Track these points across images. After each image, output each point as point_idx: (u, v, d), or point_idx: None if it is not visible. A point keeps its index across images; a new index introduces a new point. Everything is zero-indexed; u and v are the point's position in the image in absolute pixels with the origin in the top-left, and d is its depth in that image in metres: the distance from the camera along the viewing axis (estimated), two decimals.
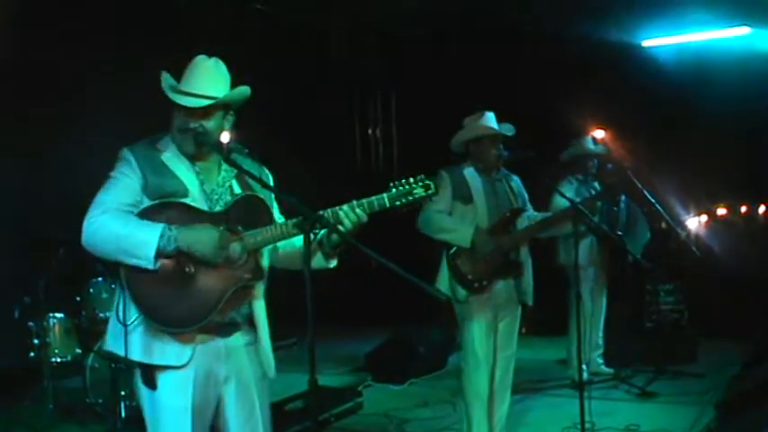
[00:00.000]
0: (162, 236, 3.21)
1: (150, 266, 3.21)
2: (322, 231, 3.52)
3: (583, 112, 9.33)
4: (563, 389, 7.69)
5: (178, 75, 3.53)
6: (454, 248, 5.45)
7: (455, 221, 5.45)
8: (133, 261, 3.22)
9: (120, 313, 3.32)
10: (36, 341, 7.11)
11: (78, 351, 7.18)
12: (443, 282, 5.47)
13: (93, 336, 7.00)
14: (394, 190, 3.45)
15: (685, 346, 8.56)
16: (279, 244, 3.60)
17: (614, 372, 8.05)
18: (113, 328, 3.41)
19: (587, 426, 5.32)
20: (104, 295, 7.14)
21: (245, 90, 3.57)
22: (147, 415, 3.48)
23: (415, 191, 3.45)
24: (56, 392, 6.99)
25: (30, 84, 7.82)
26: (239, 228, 3.40)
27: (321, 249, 3.57)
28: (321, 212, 3.35)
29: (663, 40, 10.65)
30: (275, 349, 3.71)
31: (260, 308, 3.60)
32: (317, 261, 3.57)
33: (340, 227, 3.38)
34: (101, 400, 6.69)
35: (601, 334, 8.11)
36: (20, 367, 7.40)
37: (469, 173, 5.53)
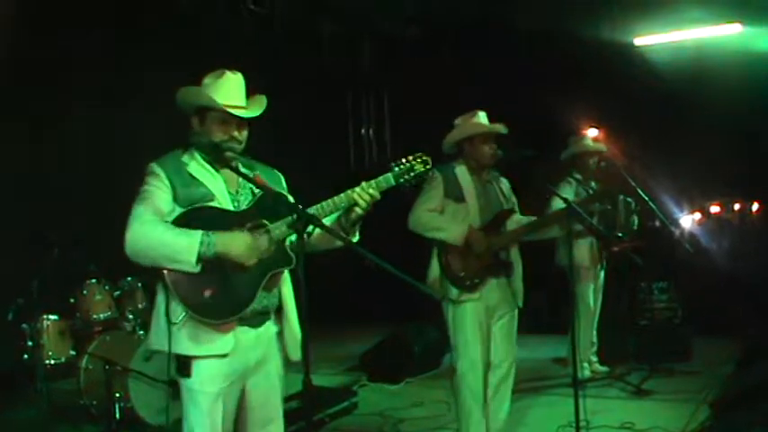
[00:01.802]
0: (201, 242, 3.51)
1: (192, 270, 3.52)
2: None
3: (576, 111, 9.33)
4: (558, 387, 7.69)
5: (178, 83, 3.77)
6: (445, 247, 5.43)
7: (447, 220, 5.44)
8: (176, 266, 3.53)
9: (166, 313, 3.62)
10: (30, 343, 7.08)
11: (72, 353, 7.16)
12: (434, 280, 5.46)
13: (88, 337, 7.00)
14: (396, 169, 3.88)
15: (679, 344, 8.57)
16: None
17: (609, 370, 8.06)
18: (157, 327, 3.71)
19: (582, 424, 5.31)
20: (98, 297, 7.14)
21: (265, 100, 3.94)
22: (183, 403, 3.75)
23: (415, 167, 3.89)
24: (50, 394, 6.96)
25: (24, 85, 7.80)
26: (265, 221, 3.70)
27: (342, 228, 3.86)
28: (336, 197, 3.76)
29: (655, 39, 10.66)
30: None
31: (288, 293, 3.92)
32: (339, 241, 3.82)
33: (357, 207, 3.78)
34: (95, 402, 6.68)
35: (594, 332, 8.12)
36: (13, 369, 7.37)
37: (461, 171, 5.52)
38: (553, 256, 7.83)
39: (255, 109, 3.84)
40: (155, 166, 3.70)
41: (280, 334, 3.92)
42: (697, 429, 6.07)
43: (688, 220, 10.66)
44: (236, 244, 3.58)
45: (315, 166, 11.39)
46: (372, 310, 10.94)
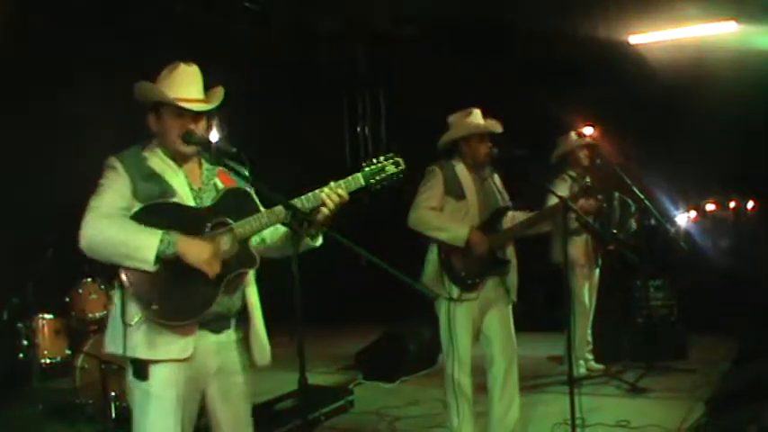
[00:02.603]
0: (162, 241, 3.37)
1: (150, 269, 3.37)
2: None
3: (572, 109, 9.35)
4: (553, 385, 7.69)
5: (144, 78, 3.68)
6: (446, 246, 5.43)
7: (448, 220, 5.43)
8: (134, 264, 3.38)
9: (121, 314, 3.47)
10: (25, 342, 7.10)
11: (68, 352, 7.17)
12: (431, 279, 5.45)
13: (83, 336, 7.00)
14: (367, 169, 3.73)
15: (675, 342, 8.58)
16: (266, 234, 3.83)
17: (604, 368, 8.07)
18: (113, 329, 3.56)
19: (578, 422, 5.32)
20: (93, 296, 7.14)
21: (223, 92, 3.77)
22: (135, 407, 3.58)
23: (386, 168, 3.74)
24: (45, 393, 6.98)
25: (15, 85, 7.79)
26: (228, 219, 3.57)
27: (306, 231, 3.69)
28: (303, 196, 3.59)
29: (650, 37, 10.67)
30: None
31: (253, 295, 3.78)
32: (303, 244, 3.71)
33: (324, 207, 3.59)
34: (91, 401, 6.67)
35: (590, 330, 8.13)
36: (9, 368, 7.37)
37: (460, 169, 5.52)
38: (548, 254, 7.84)
39: (211, 102, 3.70)
40: (113, 160, 3.57)
41: (243, 339, 3.74)
42: (692, 427, 6.07)
43: (684, 218, 10.68)
44: (197, 251, 3.43)
45: (310, 165, 11.37)
46: (367, 309, 10.94)
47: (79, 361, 6.74)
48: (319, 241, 3.76)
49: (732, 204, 11.28)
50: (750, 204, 11.17)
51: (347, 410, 7.21)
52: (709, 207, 11.29)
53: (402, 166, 3.76)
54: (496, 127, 5.53)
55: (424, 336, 8.67)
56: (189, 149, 3.63)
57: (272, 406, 6.76)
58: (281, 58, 11.28)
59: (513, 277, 5.59)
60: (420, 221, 5.44)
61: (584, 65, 10.78)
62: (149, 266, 3.36)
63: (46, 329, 7.16)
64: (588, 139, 8.00)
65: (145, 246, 3.36)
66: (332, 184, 3.64)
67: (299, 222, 3.44)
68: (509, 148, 5.40)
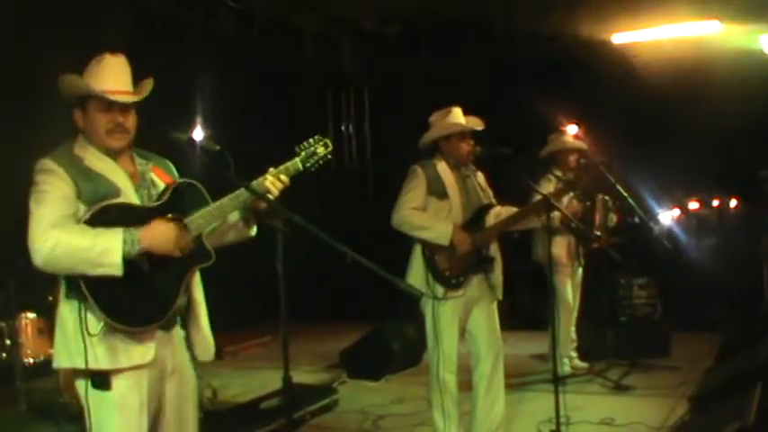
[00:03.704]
0: (125, 240, 3.22)
1: (118, 273, 3.20)
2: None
3: (555, 108, 9.37)
4: (538, 383, 7.71)
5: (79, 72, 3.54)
6: (430, 245, 5.43)
7: (432, 219, 5.42)
8: (99, 271, 3.20)
9: (82, 325, 3.28)
10: (8, 342, 7.06)
11: (51, 351, 7.10)
12: (415, 278, 5.45)
13: None
14: (303, 153, 3.73)
15: (659, 340, 8.62)
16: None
17: (589, 366, 8.10)
18: (66, 342, 3.38)
19: (562, 420, 5.33)
20: None
21: (152, 83, 3.60)
22: (93, 416, 3.41)
23: (317, 150, 3.75)
24: (29, 393, 6.93)
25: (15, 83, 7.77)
26: (179, 215, 3.44)
27: (242, 218, 3.70)
28: (254, 183, 3.54)
29: (634, 36, 10.70)
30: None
31: (198, 290, 3.68)
32: (240, 234, 3.75)
33: (269, 195, 3.55)
34: (75, 401, 6.63)
35: (574, 328, 8.15)
36: None
37: (442, 168, 5.52)
38: (530, 252, 7.86)
39: (140, 94, 3.52)
40: (49, 162, 3.37)
41: (188, 336, 3.65)
42: (676, 423, 6.10)
43: (667, 217, 10.72)
44: (160, 234, 3.30)
45: None
46: (352, 308, 10.94)
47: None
48: (254, 231, 3.79)
49: (715, 203, 11.33)
50: (733, 203, 11.22)
51: (332, 409, 7.19)
52: (693, 206, 11.34)
53: (330, 147, 3.79)
54: (477, 124, 5.53)
55: (408, 334, 8.68)
56: (118, 144, 3.49)
57: (257, 405, 6.75)
58: (265, 57, 11.27)
59: (497, 275, 5.60)
60: (403, 221, 5.44)
61: (567, 63, 10.81)
62: (117, 270, 3.20)
63: (29, 329, 7.13)
64: (580, 144, 8.01)
65: (109, 250, 3.19)
66: (272, 170, 3.62)
67: (285, 222, 3.41)
68: (493, 146, 5.41)
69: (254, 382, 8.01)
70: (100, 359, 3.31)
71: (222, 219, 3.60)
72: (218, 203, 3.50)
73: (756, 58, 10.00)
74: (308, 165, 3.73)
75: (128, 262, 3.22)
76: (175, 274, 3.43)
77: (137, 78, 3.60)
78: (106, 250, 3.18)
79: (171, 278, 3.41)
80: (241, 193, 3.47)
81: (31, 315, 7.13)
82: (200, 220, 3.44)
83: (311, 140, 3.76)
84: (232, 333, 10.34)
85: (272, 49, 11.09)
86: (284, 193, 3.61)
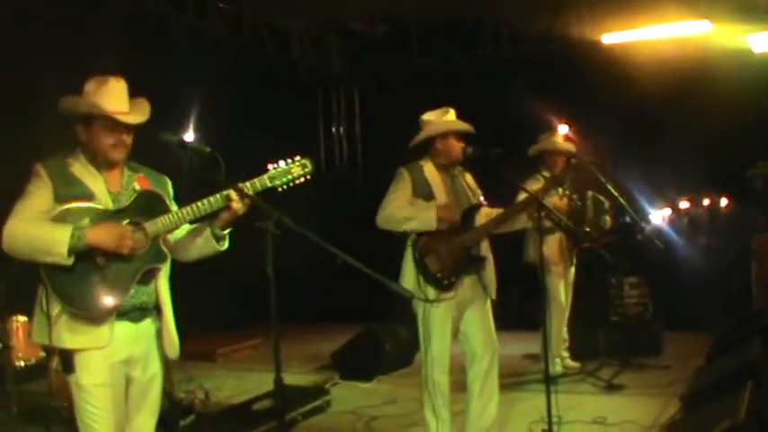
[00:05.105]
0: (72, 235, 3.62)
1: (65, 263, 3.63)
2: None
3: (545, 108, 9.39)
4: (530, 383, 7.72)
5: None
6: (421, 247, 5.42)
7: (415, 209, 5.39)
8: (49, 259, 3.65)
9: (45, 306, 3.77)
10: None
11: (42, 354, 7.10)
12: (407, 280, 5.44)
13: None
14: (273, 171, 3.91)
15: (650, 339, 8.65)
16: (172, 236, 4.06)
17: (580, 365, 8.12)
18: (37, 321, 3.86)
19: (554, 419, 5.34)
20: None
21: (148, 105, 3.99)
22: (75, 404, 3.91)
23: (293, 170, 3.93)
24: (20, 396, 6.91)
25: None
26: (141, 219, 3.83)
27: (212, 233, 3.99)
28: (212, 197, 3.84)
29: (624, 36, 10.72)
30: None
31: (164, 290, 4.03)
32: (208, 246, 4.02)
33: (233, 204, 3.83)
34: (66, 404, 6.60)
35: (566, 328, 8.16)
36: None
37: (429, 169, 5.52)
38: (522, 252, 7.87)
39: (142, 114, 3.91)
40: (38, 167, 3.82)
41: (159, 332, 4.01)
42: (667, 422, 6.11)
43: (658, 216, 10.74)
44: (105, 235, 3.68)
45: None
46: (343, 309, 10.94)
47: (54, 363, 6.68)
48: (226, 245, 4.05)
49: (706, 202, 11.34)
50: (724, 202, 11.24)
51: (324, 410, 7.19)
52: (684, 205, 11.35)
53: (309, 168, 3.95)
54: (471, 128, 5.55)
55: (400, 335, 8.68)
56: (119, 156, 3.89)
57: (249, 406, 6.75)
58: (254, 59, 11.26)
59: (490, 274, 5.59)
60: (388, 218, 5.41)
61: (557, 64, 10.82)
62: (64, 260, 3.61)
63: (20, 332, 7.09)
64: (569, 146, 8.02)
65: (58, 241, 3.60)
66: (238, 184, 3.83)
67: (276, 222, 3.49)
68: (484, 147, 5.41)
69: (247, 383, 8.00)
70: (62, 338, 3.76)
71: (180, 225, 3.92)
72: (180, 210, 3.88)
73: (745, 58, 10.01)
74: (278, 182, 3.91)
75: (83, 255, 3.66)
76: (129, 270, 3.78)
77: (128, 81, 3.89)
78: (55, 241, 3.61)
79: (125, 273, 3.77)
80: (201, 205, 3.81)
81: (22, 318, 7.09)
82: (159, 224, 3.83)
83: (289, 160, 3.93)
84: (224, 335, 10.35)
85: (261, 50, 11.08)
86: (274, 194, 3.81)
